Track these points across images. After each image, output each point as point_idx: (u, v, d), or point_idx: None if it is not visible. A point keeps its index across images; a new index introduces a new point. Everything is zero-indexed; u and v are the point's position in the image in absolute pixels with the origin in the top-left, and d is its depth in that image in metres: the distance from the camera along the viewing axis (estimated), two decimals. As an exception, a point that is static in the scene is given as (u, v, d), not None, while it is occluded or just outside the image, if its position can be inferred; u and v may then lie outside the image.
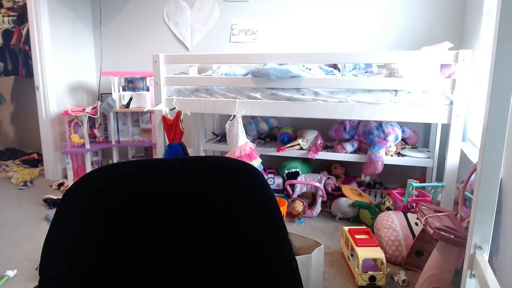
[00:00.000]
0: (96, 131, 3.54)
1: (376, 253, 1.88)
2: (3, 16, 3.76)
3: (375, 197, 2.99)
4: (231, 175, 0.71)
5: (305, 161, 3.10)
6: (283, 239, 0.70)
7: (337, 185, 2.93)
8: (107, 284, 0.66)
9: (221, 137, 3.31)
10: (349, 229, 2.09)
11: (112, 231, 0.66)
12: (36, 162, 4.04)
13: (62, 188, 3.32)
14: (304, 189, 2.89)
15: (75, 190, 0.67)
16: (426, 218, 1.77)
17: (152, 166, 0.72)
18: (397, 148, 2.83)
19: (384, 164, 2.66)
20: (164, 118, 2.78)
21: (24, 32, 3.56)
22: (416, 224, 2.12)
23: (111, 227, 0.66)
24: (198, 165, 0.72)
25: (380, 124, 2.73)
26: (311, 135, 2.93)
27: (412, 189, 2.43)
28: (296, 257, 0.73)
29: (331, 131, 2.99)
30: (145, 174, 0.69)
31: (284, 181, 3.03)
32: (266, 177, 2.98)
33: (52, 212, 2.78)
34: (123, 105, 3.49)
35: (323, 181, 2.84)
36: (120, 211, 0.67)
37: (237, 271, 0.68)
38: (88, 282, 0.66)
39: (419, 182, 2.50)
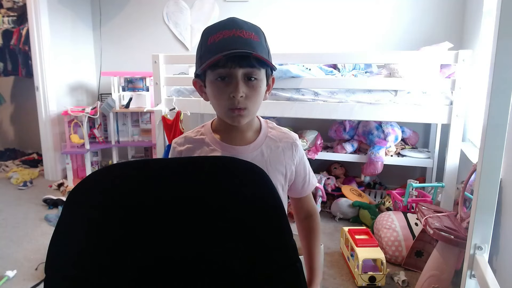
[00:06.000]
0: (95, 131, 3.54)
1: (376, 253, 1.88)
2: (3, 16, 3.76)
3: (375, 197, 2.98)
4: (237, 175, 0.71)
5: (305, 161, 3.09)
6: (288, 240, 0.70)
7: (337, 185, 2.93)
8: (114, 285, 0.66)
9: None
10: (349, 229, 2.09)
11: (120, 232, 0.66)
12: (36, 162, 4.04)
13: (62, 188, 3.31)
14: (304, 189, 2.89)
15: (83, 189, 0.67)
16: (426, 219, 1.77)
17: (160, 166, 0.72)
18: (397, 149, 2.83)
19: (384, 165, 2.66)
20: (164, 118, 2.78)
21: (24, 32, 3.56)
22: (416, 224, 2.12)
23: (119, 227, 0.66)
24: (205, 164, 0.72)
25: (380, 124, 2.73)
26: (311, 135, 2.93)
27: (412, 189, 2.42)
28: (296, 257, 0.73)
29: (331, 131, 2.99)
30: (152, 173, 0.69)
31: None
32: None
33: (52, 213, 2.78)
34: (122, 105, 3.49)
35: (323, 182, 2.84)
36: (129, 211, 0.67)
37: (242, 272, 0.68)
38: (95, 283, 0.66)
39: (419, 183, 2.50)
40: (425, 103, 2.35)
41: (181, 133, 2.73)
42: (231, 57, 0.79)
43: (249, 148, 0.91)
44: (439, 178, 2.77)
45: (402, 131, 2.82)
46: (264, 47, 0.86)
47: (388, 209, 2.59)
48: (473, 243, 1.09)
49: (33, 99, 3.58)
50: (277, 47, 3.30)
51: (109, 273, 0.66)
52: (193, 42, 3.72)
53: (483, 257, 1.08)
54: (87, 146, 3.41)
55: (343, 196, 2.79)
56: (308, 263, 0.99)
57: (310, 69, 2.56)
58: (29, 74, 3.66)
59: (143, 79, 3.55)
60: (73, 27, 3.77)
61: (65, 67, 3.71)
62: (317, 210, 1.06)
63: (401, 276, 1.90)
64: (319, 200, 2.73)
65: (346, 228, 2.12)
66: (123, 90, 3.55)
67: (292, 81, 2.51)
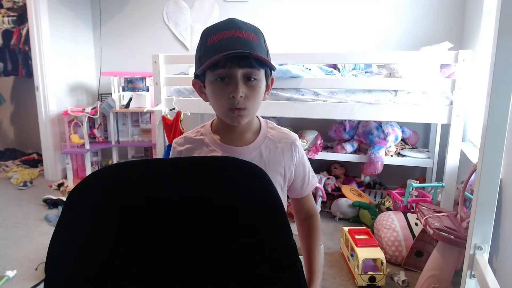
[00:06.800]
0: (95, 131, 3.54)
1: (376, 253, 1.88)
2: (3, 16, 3.76)
3: (375, 197, 2.98)
4: (238, 175, 0.71)
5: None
6: (288, 240, 0.70)
7: (337, 185, 2.93)
8: (114, 285, 0.66)
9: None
10: (349, 229, 2.09)
11: (120, 232, 0.66)
12: (36, 162, 4.04)
13: (62, 188, 3.31)
14: (304, 189, 2.89)
15: (83, 189, 0.67)
16: (426, 219, 1.77)
17: (160, 165, 0.72)
18: (397, 149, 2.83)
19: (384, 165, 2.66)
20: (164, 118, 2.78)
21: (24, 32, 3.56)
22: (416, 224, 2.12)
23: (119, 227, 0.66)
24: (205, 164, 0.72)
25: (380, 124, 2.73)
26: (311, 135, 2.93)
27: (412, 189, 2.42)
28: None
29: (331, 131, 2.99)
30: (153, 173, 0.69)
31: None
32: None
33: (52, 213, 2.78)
34: (123, 105, 3.49)
35: (323, 182, 2.84)
36: (129, 211, 0.66)
37: (242, 272, 0.68)
38: (95, 283, 0.66)
39: (419, 183, 2.50)
40: (425, 103, 2.35)
41: (181, 133, 2.73)
42: (230, 57, 0.79)
43: (248, 149, 0.91)
44: (439, 178, 2.77)
45: (402, 131, 2.82)
46: (263, 48, 0.86)
47: (388, 209, 2.59)
48: (473, 243, 1.09)
49: (33, 99, 3.58)
50: (277, 47, 3.31)
51: (109, 273, 0.66)
52: (193, 42, 3.72)
53: (483, 257, 1.08)
54: (87, 146, 3.41)
55: (343, 196, 2.79)
56: (308, 264, 0.99)
57: (310, 69, 2.56)
58: (29, 74, 3.66)
59: (143, 79, 3.55)
60: (73, 27, 3.77)
61: (65, 67, 3.71)
62: (317, 210, 1.06)
63: (401, 276, 1.90)
64: (319, 200, 2.73)
65: (346, 228, 2.12)
66: (123, 90, 3.55)
67: (292, 81, 2.51)
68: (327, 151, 2.90)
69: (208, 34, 0.84)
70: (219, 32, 0.82)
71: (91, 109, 3.39)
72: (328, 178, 2.93)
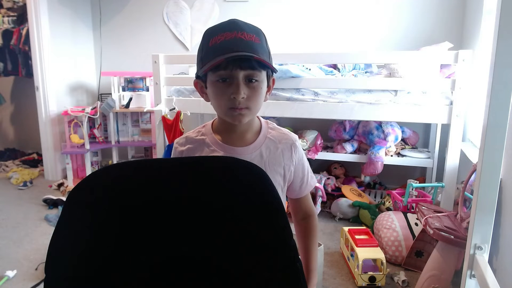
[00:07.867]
0: (95, 131, 3.53)
1: (376, 253, 1.88)
2: (3, 16, 3.76)
3: (375, 197, 2.98)
4: (238, 175, 0.71)
5: (305, 161, 3.09)
6: (288, 240, 0.70)
7: (337, 185, 2.93)
8: (115, 285, 0.66)
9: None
10: (349, 229, 2.09)
11: (121, 232, 0.66)
12: (35, 162, 4.04)
13: (62, 188, 3.31)
14: (304, 189, 2.89)
15: (83, 189, 0.67)
16: (426, 219, 1.77)
17: (161, 165, 0.72)
18: (397, 149, 2.83)
19: (384, 165, 2.66)
20: (164, 118, 2.78)
21: (24, 32, 3.56)
22: (416, 224, 2.12)
23: (119, 227, 0.66)
24: (206, 164, 0.72)
25: (380, 124, 2.72)
26: (311, 135, 2.93)
27: (412, 189, 2.43)
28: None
29: (331, 131, 2.99)
30: (153, 173, 0.69)
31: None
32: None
33: (52, 213, 2.78)
34: (123, 105, 3.49)
35: (323, 182, 2.84)
36: (129, 211, 0.66)
37: (242, 272, 0.68)
38: (95, 283, 0.66)
39: (419, 183, 2.50)
40: (425, 103, 2.35)
41: (181, 133, 2.73)
42: (232, 59, 0.80)
43: (249, 149, 0.91)
44: (439, 178, 2.77)
45: (402, 131, 2.82)
46: (265, 49, 0.86)
47: (388, 209, 2.59)
48: (473, 243, 1.09)
49: (33, 99, 3.58)
50: (277, 47, 3.30)
51: (109, 273, 0.66)
52: (193, 42, 3.72)
53: (483, 257, 1.08)
54: (87, 146, 3.41)
55: (343, 196, 2.79)
56: (305, 263, 0.99)
57: (310, 69, 2.56)
58: (29, 74, 3.66)
59: (143, 79, 3.55)
60: (73, 27, 3.77)
61: (65, 67, 3.71)
62: (315, 211, 1.06)
63: (401, 276, 1.90)
64: (319, 200, 2.73)
65: (346, 228, 2.12)
66: (123, 90, 3.55)
67: (292, 81, 2.51)
68: (327, 151, 2.89)
69: (210, 35, 0.84)
70: (221, 33, 0.82)
71: (91, 109, 3.39)
72: (328, 178, 2.93)
